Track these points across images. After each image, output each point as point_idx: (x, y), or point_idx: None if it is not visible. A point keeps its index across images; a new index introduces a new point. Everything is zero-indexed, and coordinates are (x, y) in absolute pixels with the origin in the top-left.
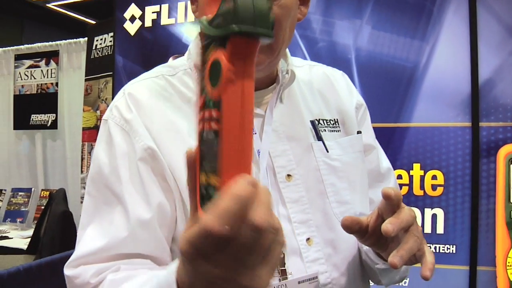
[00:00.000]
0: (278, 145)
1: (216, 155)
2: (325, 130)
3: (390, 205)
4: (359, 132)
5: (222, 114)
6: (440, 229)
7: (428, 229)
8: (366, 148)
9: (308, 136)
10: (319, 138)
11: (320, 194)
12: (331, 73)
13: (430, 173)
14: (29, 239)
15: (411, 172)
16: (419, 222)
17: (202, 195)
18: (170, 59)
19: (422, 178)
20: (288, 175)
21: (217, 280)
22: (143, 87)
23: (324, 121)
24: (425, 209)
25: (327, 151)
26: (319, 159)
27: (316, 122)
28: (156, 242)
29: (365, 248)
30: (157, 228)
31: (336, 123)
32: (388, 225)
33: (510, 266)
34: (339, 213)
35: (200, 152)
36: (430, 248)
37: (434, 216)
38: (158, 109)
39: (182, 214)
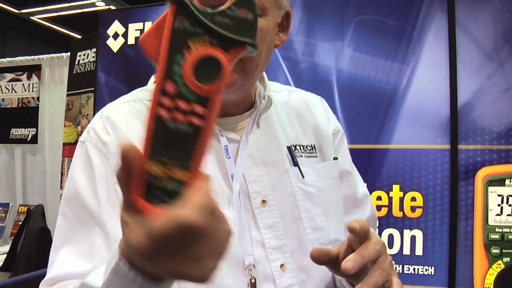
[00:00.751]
0: (253, 170)
1: (188, 150)
2: (301, 156)
3: (358, 237)
4: (335, 158)
5: (209, 113)
6: (419, 251)
7: (407, 250)
8: (343, 174)
9: (284, 162)
10: (295, 164)
11: (295, 220)
12: (310, 98)
13: (409, 194)
14: (5, 256)
15: (391, 194)
16: (398, 244)
17: (151, 186)
18: (152, 77)
19: (401, 200)
20: (263, 201)
21: (170, 275)
22: (120, 111)
23: (301, 147)
24: (404, 231)
25: (303, 177)
26: (295, 185)
27: (293, 148)
28: None
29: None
30: None
31: (313, 149)
32: (348, 263)
33: (488, 287)
34: (314, 239)
35: (153, 139)
36: (409, 269)
37: (413, 238)
38: (135, 132)
39: None
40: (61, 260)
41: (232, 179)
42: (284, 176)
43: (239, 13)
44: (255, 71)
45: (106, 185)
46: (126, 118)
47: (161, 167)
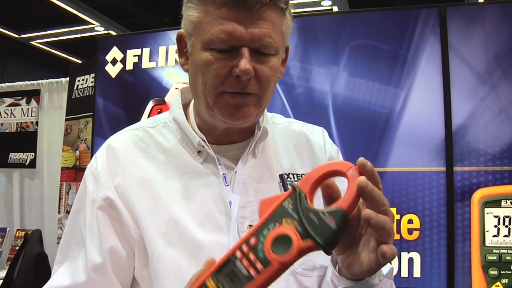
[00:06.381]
0: (244, 197)
1: (238, 286)
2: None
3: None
4: None
5: (265, 272)
6: (417, 273)
7: (405, 273)
8: None
9: (275, 189)
10: (285, 190)
11: None
12: (309, 130)
13: (406, 217)
14: (1, 281)
15: None
16: (396, 266)
17: None
18: (150, 102)
19: (398, 222)
20: (250, 225)
21: None
22: (121, 139)
23: (295, 175)
24: (402, 253)
25: None
26: None
27: (285, 176)
28: (108, 285)
29: None
30: (109, 271)
31: None
32: (366, 211)
33: None
34: (297, 264)
35: (221, 265)
36: None
37: (410, 260)
38: (132, 159)
39: (140, 251)
40: (57, 276)
41: (230, 205)
42: None
43: (328, 219)
44: (266, 103)
45: (91, 210)
46: (125, 145)
47: (215, 286)
